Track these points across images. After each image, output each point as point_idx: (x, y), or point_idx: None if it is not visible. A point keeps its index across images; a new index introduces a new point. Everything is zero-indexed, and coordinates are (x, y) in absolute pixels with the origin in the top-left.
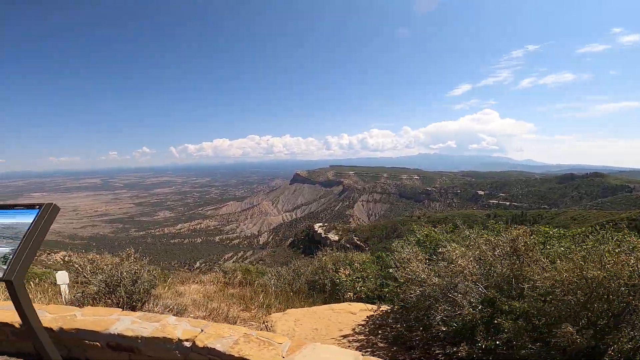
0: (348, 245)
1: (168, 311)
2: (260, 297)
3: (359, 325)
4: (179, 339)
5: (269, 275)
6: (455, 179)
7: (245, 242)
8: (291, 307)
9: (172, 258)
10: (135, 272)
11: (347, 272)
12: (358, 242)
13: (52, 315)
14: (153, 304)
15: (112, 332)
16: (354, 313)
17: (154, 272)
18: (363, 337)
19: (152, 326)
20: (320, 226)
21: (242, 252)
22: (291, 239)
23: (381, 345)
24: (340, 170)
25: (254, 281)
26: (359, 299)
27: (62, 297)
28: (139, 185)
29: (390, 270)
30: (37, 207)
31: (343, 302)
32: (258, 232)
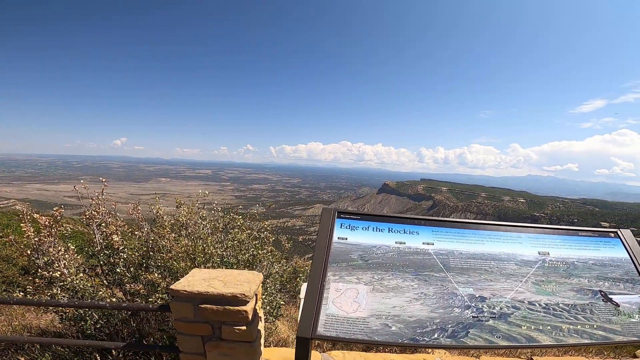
0: None
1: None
2: None
3: None
4: None
5: None
6: (572, 206)
7: None
8: None
9: None
10: None
11: None
12: None
13: None
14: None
15: None
16: None
17: None
18: None
19: None
20: None
21: None
22: None
23: None
24: (432, 185)
25: None
26: None
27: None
28: (240, 180)
29: None
30: (612, 234)
31: None
32: None
